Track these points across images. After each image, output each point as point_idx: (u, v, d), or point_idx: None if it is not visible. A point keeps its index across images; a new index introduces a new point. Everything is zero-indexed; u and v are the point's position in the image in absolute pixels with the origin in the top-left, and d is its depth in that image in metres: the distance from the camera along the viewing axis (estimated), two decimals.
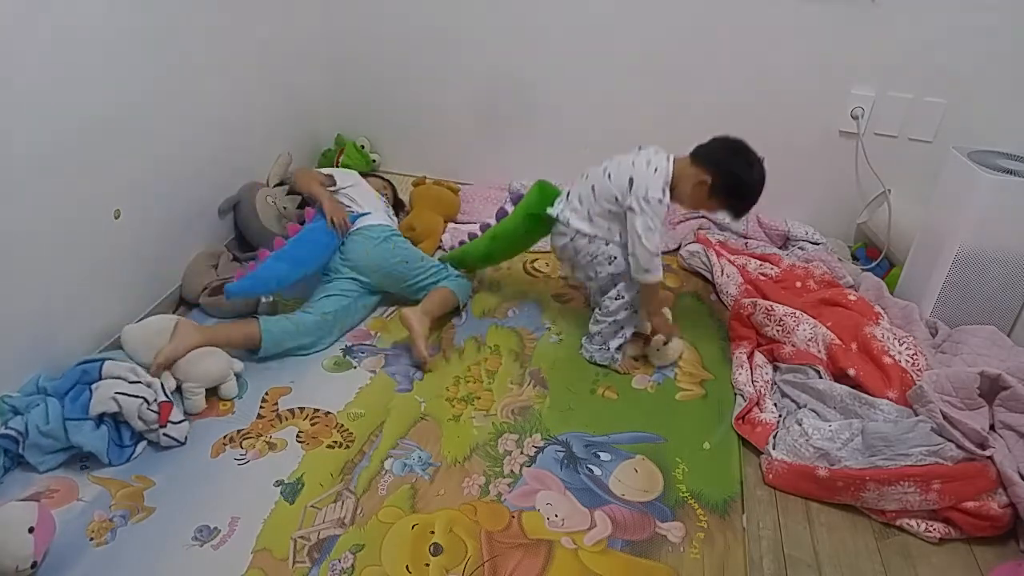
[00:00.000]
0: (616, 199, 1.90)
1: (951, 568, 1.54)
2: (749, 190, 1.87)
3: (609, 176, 1.93)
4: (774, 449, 1.74)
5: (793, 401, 1.90)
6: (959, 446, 1.61)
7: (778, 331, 2.07)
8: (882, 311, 2.11)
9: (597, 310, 2.08)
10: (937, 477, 1.58)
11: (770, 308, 2.10)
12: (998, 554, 1.57)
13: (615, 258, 1.97)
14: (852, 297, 2.16)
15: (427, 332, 2.02)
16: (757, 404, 1.90)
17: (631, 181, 1.88)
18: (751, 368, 2.02)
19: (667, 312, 2.17)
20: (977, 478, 1.59)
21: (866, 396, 1.79)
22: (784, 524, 1.61)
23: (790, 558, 1.53)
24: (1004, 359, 1.85)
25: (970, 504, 1.58)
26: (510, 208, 2.26)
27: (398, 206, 2.75)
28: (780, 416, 1.86)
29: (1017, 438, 1.65)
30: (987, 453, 1.61)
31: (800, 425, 1.74)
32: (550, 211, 2.05)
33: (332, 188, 2.28)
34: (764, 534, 1.59)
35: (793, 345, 2.03)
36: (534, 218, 2.12)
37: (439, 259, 2.31)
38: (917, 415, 1.71)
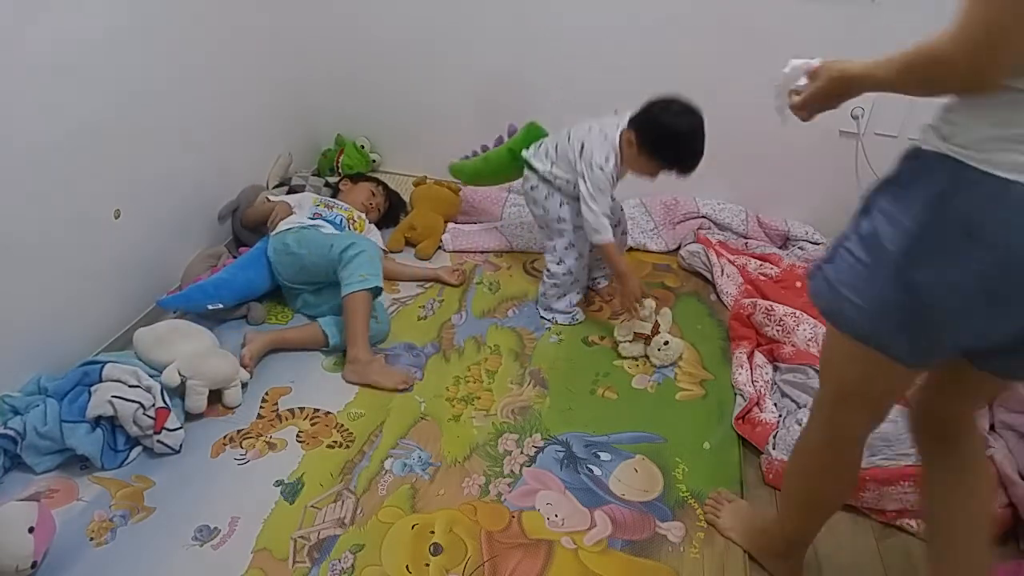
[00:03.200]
0: (569, 160, 2.04)
1: None
2: (674, 138, 1.87)
3: (569, 137, 2.06)
4: (774, 449, 1.74)
5: (793, 401, 1.89)
6: None
7: (778, 331, 2.07)
8: None
9: (545, 271, 2.23)
10: None
11: (770, 308, 2.10)
12: (998, 554, 1.57)
13: (563, 204, 2.12)
14: None
15: (375, 367, 1.94)
16: (757, 404, 1.90)
17: (583, 146, 2.00)
18: (751, 368, 2.02)
19: (667, 312, 2.17)
20: None
21: None
22: None
23: None
24: None
25: None
26: (506, 138, 2.38)
27: (399, 206, 2.75)
28: (780, 416, 1.86)
29: (1017, 438, 1.65)
30: (987, 453, 1.61)
31: (800, 425, 1.74)
32: (524, 152, 2.20)
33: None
34: None
35: (793, 345, 2.03)
36: (513, 154, 2.27)
37: (451, 168, 2.47)
38: None
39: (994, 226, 0.89)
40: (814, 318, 2.07)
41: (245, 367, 1.89)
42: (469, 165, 2.48)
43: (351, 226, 2.34)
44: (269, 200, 2.37)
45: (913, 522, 1.62)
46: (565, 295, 2.24)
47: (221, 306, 2.06)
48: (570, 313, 2.25)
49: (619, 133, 1.97)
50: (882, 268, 1.00)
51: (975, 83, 0.87)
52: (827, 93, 1.12)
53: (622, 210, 2.35)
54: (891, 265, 0.98)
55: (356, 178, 2.70)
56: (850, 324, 1.07)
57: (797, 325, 2.04)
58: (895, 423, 1.69)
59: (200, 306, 2.04)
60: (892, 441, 1.64)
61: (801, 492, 1.37)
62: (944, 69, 0.87)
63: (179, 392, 1.77)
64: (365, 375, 1.93)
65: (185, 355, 1.79)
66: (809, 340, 2.01)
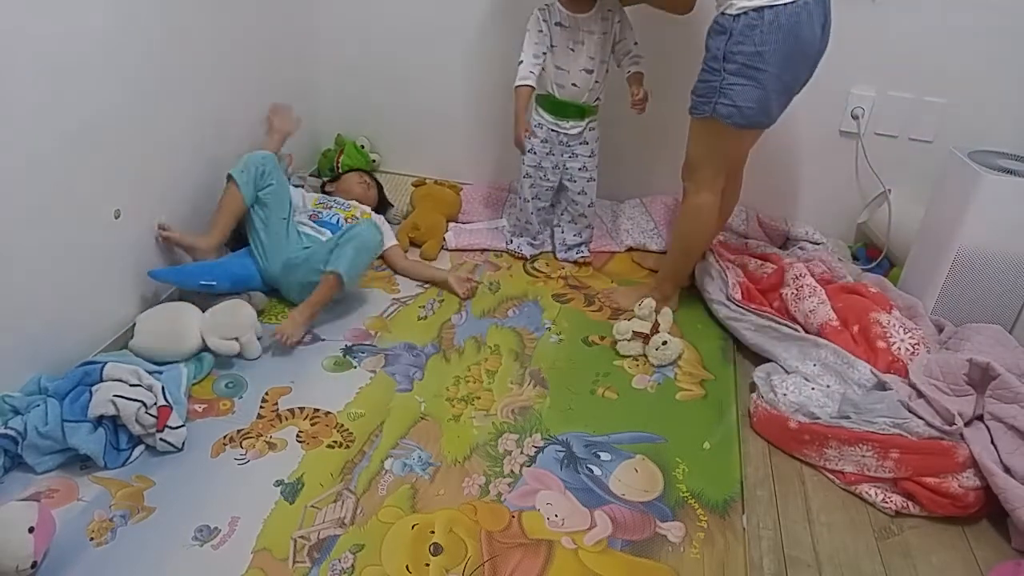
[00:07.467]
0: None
1: (951, 567, 1.54)
2: None
3: None
4: (760, 399, 1.86)
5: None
6: (928, 424, 1.65)
7: (792, 293, 2.17)
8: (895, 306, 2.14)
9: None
10: (896, 447, 1.65)
11: (801, 275, 2.21)
12: (998, 553, 1.58)
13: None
14: (873, 289, 2.19)
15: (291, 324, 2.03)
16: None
17: None
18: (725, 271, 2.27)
19: (667, 312, 2.17)
20: (941, 456, 1.63)
21: (849, 356, 1.88)
22: (784, 524, 1.62)
23: (790, 558, 1.54)
24: (1006, 358, 1.85)
25: (930, 480, 1.62)
26: None
27: (383, 197, 2.72)
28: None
29: (1005, 430, 1.67)
30: (952, 429, 1.64)
31: (776, 389, 1.88)
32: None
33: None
34: (764, 534, 1.59)
35: (802, 314, 2.13)
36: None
37: None
38: (889, 388, 1.79)
39: (799, 24, 1.77)
40: (829, 299, 2.14)
41: (287, 342, 2.00)
42: None
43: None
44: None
45: (872, 491, 1.67)
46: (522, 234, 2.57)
47: (214, 283, 2.07)
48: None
49: None
50: (767, 80, 1.82)
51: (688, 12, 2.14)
52: None
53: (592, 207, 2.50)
54: (773, 76, 1.82)
55: (340, 175, 2.71)
56: (754, 120, 1.90)
57: (809, 296, 2.13)
58: (867, 394, 1.80)
59: (192, 281, 2.05)
60: (861, 409, 1.72)
61: (698, 246, 2.22)
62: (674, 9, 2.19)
63: (225, 352, 1.92)
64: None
65: (204, 325, 1.91)
66: (809, 312, 2.09)
